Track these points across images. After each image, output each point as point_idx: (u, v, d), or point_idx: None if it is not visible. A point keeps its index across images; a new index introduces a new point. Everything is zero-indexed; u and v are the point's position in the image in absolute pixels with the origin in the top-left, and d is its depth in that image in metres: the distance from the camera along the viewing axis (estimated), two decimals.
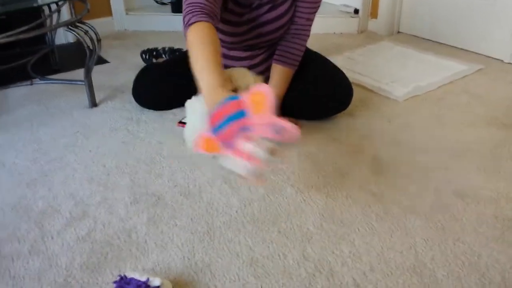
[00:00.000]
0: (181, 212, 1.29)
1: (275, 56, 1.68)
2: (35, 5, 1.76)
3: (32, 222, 1.26)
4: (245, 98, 1.00)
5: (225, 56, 1.71)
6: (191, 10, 1.26)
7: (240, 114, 1.00)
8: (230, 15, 1.57)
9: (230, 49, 1.69)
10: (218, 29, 1.57)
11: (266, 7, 1.58)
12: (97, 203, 1.33)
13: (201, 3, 1.27)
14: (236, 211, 1.29)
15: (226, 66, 1.70)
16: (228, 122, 1.00)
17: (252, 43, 1.65)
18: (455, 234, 1.19)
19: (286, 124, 0.96)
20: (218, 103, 1.03)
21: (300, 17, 1.64)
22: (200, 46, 1.18)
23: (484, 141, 1.63)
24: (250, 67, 1.70)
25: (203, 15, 1.24)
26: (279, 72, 1.67)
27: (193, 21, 1.23)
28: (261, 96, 1.02)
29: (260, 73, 1.72)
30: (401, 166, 1.49)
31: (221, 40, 1.65)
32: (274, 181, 1.41)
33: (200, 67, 1.15)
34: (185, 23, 1.25)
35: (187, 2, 1.29)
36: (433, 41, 2.70)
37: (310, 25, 1.68)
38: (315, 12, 1.66)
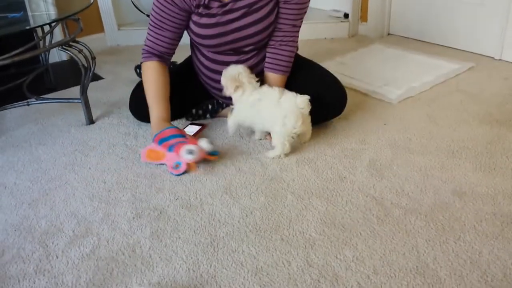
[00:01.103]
0: (183, 224, 1.30)
1: (265, 64, 1.71)
2: (27, 27, 1.77)
3: (36, 242, 1.26)
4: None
5: (214, 61, 1.73)
6: (144, 50, 1.72)
7: (180, 135, 1.57)
8: (202, 18, 1.63)
9: (216, 53, 1.72)
10: (196, 34, 1.67)
11: (240, 12, 1.61)
12: (100, 220, 1.34)
13: (151, 43, 1.70)
14: (238, 221, 1.30)
15: (216, 71, 1.73)
16: (172, 137, 1.56)
17: (234, 46, 1.68)
18: (456, 233, 1.21)
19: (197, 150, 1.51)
20: (162, 129, 1.59)
21: (285, 23, 1.66)
22: (149, 85, 1.69)
23: (478, 139, 1.65)
24: None
25: (151, 56, 1.70)
26: (272, 79, 1.70)
27: (144, 61, 1.71)
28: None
29: None
30: (399, 168, 1.51)
31: (204, 45, 1.70)
32: (274, 189, 1.43)
33: (150, 103, 1.69)
34: (141, 58, 1.74)
35: (145, 41, 1.72)
36: (423, 41, 2.74)
37: (297, 31, 1.70)
38: (300, 19, 1.68)
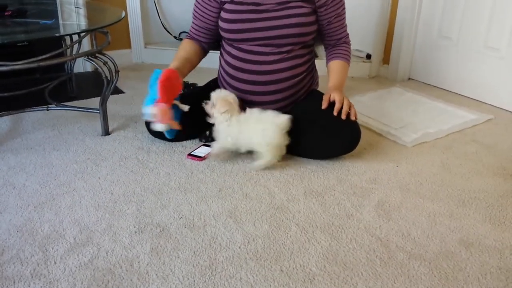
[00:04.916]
0: (184, 244, 1.29)
1: (329, 57, 1.93)
2: (57, 34, 1.82)
3: (36, 246, 1.26)
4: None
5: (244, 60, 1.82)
6: (186, 35, 2.01)
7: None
8: (232, 7, 1.77)
9: (247, 52, 1.81)
10: (224, 29, 1.81)
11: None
12: (102, 230, 1.34)
13: (190, 31, 1.98)
14: (239, 247, 1.29)
15: (243, 69, 1.82)
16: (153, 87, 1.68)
17: (262, 35, 1.75)
18: (459, 283, 1.18)
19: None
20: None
21: (331, 26, 1.87)
22: (178, 52, 1.92)
23: (490, 191, 1.63)
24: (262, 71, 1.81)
25: (189, 37, 1.97)
26: (335, 65, 1.89)
27: (184, 38, 1.99)
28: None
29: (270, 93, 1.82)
30: (407, 211, 1.49)
31: (231, 37, 1.80)
32: (279, 219, 1.42)
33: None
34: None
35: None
36: (444, 89, 2.74)
37: (345, 30, 1.94)
38: (342, 20, 1.90)
